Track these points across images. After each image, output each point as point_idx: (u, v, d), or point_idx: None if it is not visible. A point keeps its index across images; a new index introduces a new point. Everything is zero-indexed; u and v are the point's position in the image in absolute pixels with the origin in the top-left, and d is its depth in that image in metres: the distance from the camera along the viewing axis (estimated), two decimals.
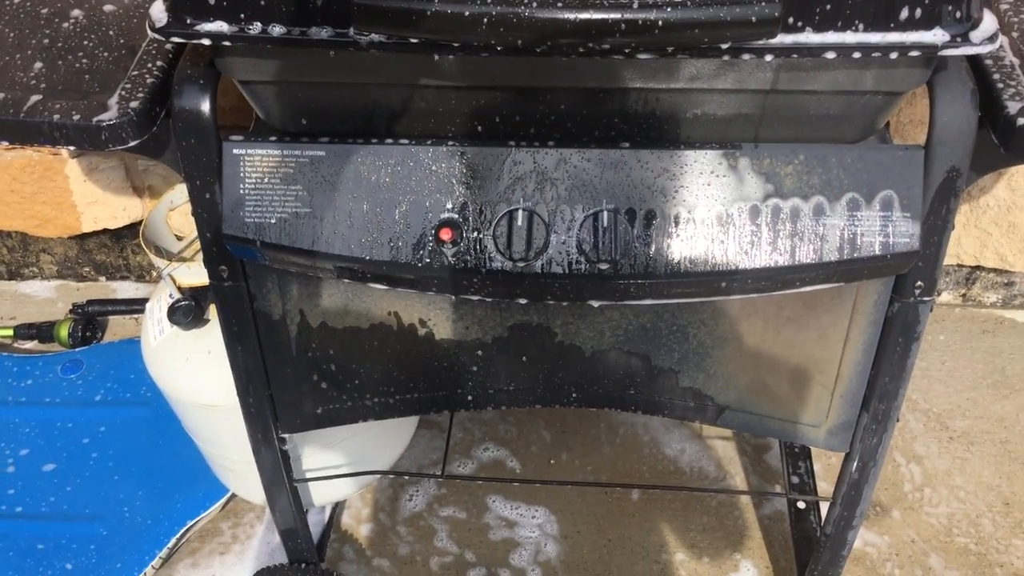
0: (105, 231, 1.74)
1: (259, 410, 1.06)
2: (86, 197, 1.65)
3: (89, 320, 1.74)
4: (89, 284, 1.87)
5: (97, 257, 1.83)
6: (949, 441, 1.53)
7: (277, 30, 0.73)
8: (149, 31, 0.75)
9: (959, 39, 0.71)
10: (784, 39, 0.71)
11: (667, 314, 0.97)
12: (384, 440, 1.36)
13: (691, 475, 1.50)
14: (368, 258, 0.86)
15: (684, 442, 1.54)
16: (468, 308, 0.97)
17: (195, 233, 1.17)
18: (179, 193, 1.24)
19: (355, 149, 0.85)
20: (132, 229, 1.74)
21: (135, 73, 0.84)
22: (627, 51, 0.71)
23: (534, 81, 0.80)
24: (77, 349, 1.69)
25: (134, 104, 0.81)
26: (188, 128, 0.84)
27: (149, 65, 0.85)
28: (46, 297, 1.86)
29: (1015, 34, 0.85)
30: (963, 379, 1.62)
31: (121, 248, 1.81)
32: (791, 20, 0.70)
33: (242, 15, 0.73)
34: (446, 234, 0.84)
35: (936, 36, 0.71)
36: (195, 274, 1.14)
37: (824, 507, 1.18)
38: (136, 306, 1.76)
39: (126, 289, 1.86)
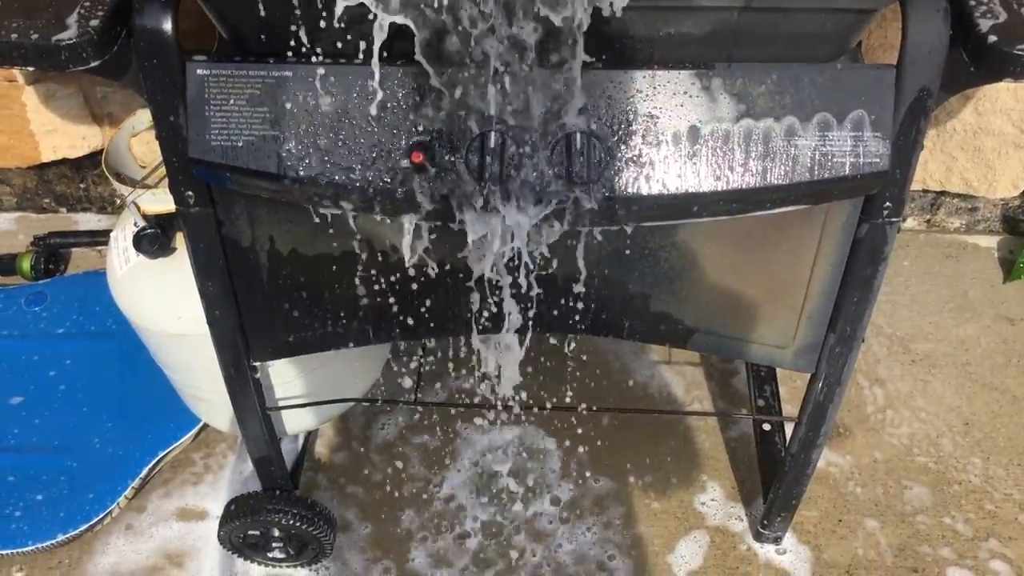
0: (65, 161, 1.70)
1: (230, 339, 1.05)
2: (44, 125, 1.61)
3: (52, 252, 1.71)
4: (50, 216, 1.84)
5: (57, 188, 1.80)
6: (912, 364, 1.56)
7: None
8: None
9: None
10: None
11: (639, 237, 0.97)
12: (356, 368, 1.36)
13: (660, 399, 1.52)
14: (339, 182, 0.84)
15: (653, 367, 1.56)
16: (440, 233, 0.97)
17: (159, 160, 1.15)
18: (141, 119, 1.21)
19: (323, 69, 0.83)
20: (92, 159, 1.70)
21: None
22: None
23: None
24: (40, 282, 1.66)
25: (94, 23, 0.78)
26: (150, 48, 0.81)
27: None
28: (6, 229, 1.82)
29: None
30: (926, 303, 1.65)
31: (82, 178, 1.77)
32: None
33: None
34: (418, 157, 0.83)
35: None
36: (160, 201, 1.12)
37: (789, 428, 1.20)
38: (99, 238, 1.74)
39: (88, 221, 1.83)
